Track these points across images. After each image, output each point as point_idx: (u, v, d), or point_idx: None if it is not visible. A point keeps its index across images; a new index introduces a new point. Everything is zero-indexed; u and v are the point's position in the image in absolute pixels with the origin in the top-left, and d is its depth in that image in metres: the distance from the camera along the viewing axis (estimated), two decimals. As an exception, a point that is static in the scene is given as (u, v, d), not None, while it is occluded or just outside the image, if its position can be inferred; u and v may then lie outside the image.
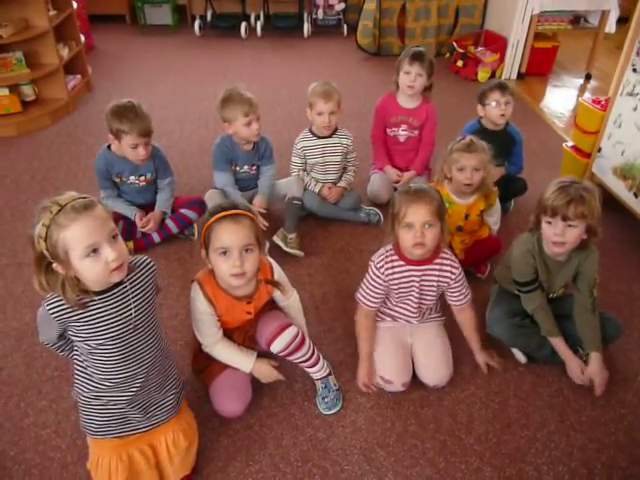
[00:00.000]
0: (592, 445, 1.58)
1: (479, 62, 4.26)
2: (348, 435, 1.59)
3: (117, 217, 2.25)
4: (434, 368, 1.70)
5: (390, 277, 1.65)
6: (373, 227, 2.52)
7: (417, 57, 2.46)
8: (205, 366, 1.62)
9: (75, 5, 3.77)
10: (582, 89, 4.28)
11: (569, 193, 1.55)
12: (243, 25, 5.14)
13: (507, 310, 1.83)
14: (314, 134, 2.44)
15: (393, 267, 1.64)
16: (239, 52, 4.87)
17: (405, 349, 1.73)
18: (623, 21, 3.97)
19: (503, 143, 2.42)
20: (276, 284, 1.59)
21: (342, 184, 2.52)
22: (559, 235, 1.59)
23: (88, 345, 1.20)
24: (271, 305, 1.65)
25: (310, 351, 1.60)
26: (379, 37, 4.67)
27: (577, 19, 4.30)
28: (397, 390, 1.69)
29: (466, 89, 3.98)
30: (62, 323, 1.18)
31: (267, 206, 2.39)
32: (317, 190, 2.47)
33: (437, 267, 1.66)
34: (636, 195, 2.31)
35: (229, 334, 1.59)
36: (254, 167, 2.42)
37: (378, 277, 1.66)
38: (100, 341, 1.19)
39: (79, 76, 3.83)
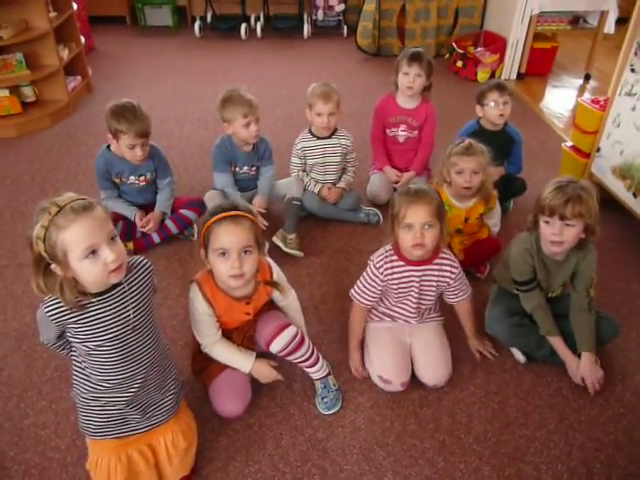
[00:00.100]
0: (591, 444, 1.58)
1: (479, 62, 4.26)
2: (347, 435, 1.60)
3: (117, 217, 2.25)
4: (433, 368, 1.70)
5: (389, 277, 1.65)
6: (372, 227, 2.52)
7: (416, 58, 2.46)
8: (204, 366, 1.62)
9: (75, 6, 3.78)
10: (581, 89, 4.28)
11: (567, 192, 1.55)
12: (243, 26, 5.15)
13: (506, 309, 1.84)
14: (313, 135, 2.44)
15: (392, 267, 1.65)
16: (239, 53, 4.88)
17: (404, 349, 1.73)
18: (622, 21, 3.96)
19: (502, 143, 2.42)
20: (275, 285, 1.59)
21: (341, 185, 2.53)
22: (557, 234, 1.59)
23: (86, 347, 1.20)
24: (270, 305, 1.65)
25: (309, 351, 1.60)
26: (379, 38, 4.67)
27: (576, 19, 4.31)
28: (396, 390, 1.69)
29: (466, 89, 3.99)
30: (60, 325, 1.18)
31: (267, 206, 2.40)
32: (316, 190, 2.48)
33: (437, 267, 1.66)
34: (635, 195, 2.31)
35: (228, 334, 1.60)
36: (254, 168, 2.43)
37: (376, 276, 1.66)
38: (98, 342, 1.19)
39: (79, 77, 3.84)
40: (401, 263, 1.65)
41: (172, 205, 2.39)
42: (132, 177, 2.29)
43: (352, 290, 1.74)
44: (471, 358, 1.83)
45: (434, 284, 1.69)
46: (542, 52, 4.30)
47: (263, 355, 1.63)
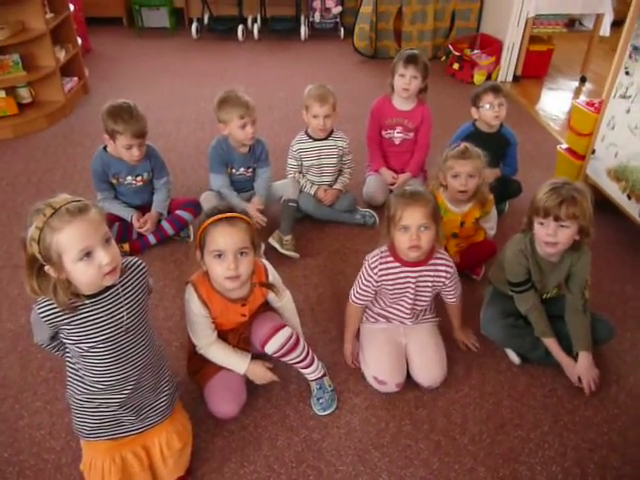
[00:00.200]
0: (585, 445, 1.59)
1: (475, 65, 4.28)
2: (342, 436, 1.60)
3: (113, 219, 2.25)
4: (428, 369, 1.71)
5: (384, 278, 1.66)
6: (368, 229, 2.52)
7: (411, 60, 2.47)
8: (200, 367, 1.62)
9: (72, 8, 3.78)
10: (577, 92, 4.30)
11: (561, 194, 1.56)
12: (240, 28, 5.16)
13: (501, 311, 1.84)
14: (310, 136, 2.45)
15: (387, 268, 1.65)
16: (236, 55, 4.88)
17: (399, 350, 1.74)
18: (618, 24, 3.99)
19: (497, 145, 2.43)
20: (271, 286, 1.59)
21: (338, 186, 2.53)
22: (551, 236, 1.60)
23: (80, 348, 1.20)
24: (265, 307, 1.65)
25: (305, 352, 1.60)
26: (375, 40, 4.69)
27: (572, 22, 4.33)
28: (391, 391, 1.70)
29: (462, 92, 4.00)
30: (53, 326, 1.18)
31: (263, 208, 2.40)
32: (313, 192, 2.48)
33: (432, 267, 1.67)
34: (629, 197, 2.32)
35: (223, 336, 1.60)
36: (250, 169, 2.43)
37: (371, 277, 1.67)
38: (91, 344, 1.19)
39: (76, 78, 3.83)
40: (397, 264, 1.65)
41: (168, 206, 2.40)
42: (129, 177, 2.29)
43: (351, 290, 1.76)
44: (466, 359, 1.84)
45: (430, 285, 1.69)
46: (538, 55, 4.33)
47: (259, 356, 1.63)
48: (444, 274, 1.69)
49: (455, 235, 2.14)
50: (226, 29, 5.22)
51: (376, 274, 1.65)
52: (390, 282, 1.67)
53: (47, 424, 1.61)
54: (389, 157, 2.73)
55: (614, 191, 2.41)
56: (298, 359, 1.60)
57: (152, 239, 2.33)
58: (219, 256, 1.40)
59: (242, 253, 1.41)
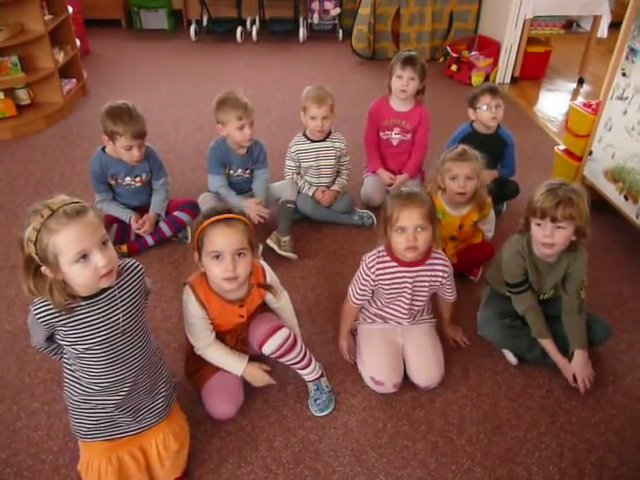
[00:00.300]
0: (582, 445, 1.59)
1: (473, 66, 4.29)
2: (340, 437, 1.60)
3: (111, 220, 2.26)
4: (425, 369, 1.71)
5: (381, 277, 1.66)
6: (366, 230, 2.53)
7: (409, 61, 2.47)
8: (197, 369, 1.62)
9: (71, 9, 3.79)
10: (575, 93, 4.31)
11: (558, 195, 1.57)
12: (239, 30, 5.16)
13: (498, 311, 1.85)
14: (308, 138, 2.45)
15: (384, 268, 1.66)
16: (235, 56, 4.89)
17: (396, 350, 1.74)
18: (615, 26, 3.99)
19: (495, 146, 2.44)
20: (268, 287, 1.59)
21: (335, 187, 2.54)
22: (548, 236, 1.61)
23: (76, 349, 1.20)
24: (263, 307, 1.65)
25: (302, 353, 1.60)
26: (374, 42, 4.69)
27: (570, 24, 4.35)
28: (388, 391, 1.70)
29: (460, 93, 4.00)
30: (49, 327, 1.18)
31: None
32: (311, 193, 2.48)
33: (429, 267, 1.68)
34: (626, 198, 2.33)
35: (221, 337, 1.60)
36: (248, 171, 2.43)
37: (368, 276, 1.67)
38: (87, 345, 1.19)
39: (74, 80, 3.84)
40: (394, 264, 1.66)
41: (166, 207, 2.40)
42: (128, 178, 2.29)
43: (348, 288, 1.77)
44: (463, 360, 1.84)
45: (427, 284, 1.70)
46: (536, 56, 4.34)
47: (257, 358, 1.64)
48: (441, 274, 1.69)
49: (453, 238, 2.14)
50: (225, 31, 5.23)
51: (373, 273, 1.66)
52: (387, 282, 1.67)
53: (45, 425, 1.61)
54: (387, 158, 2.73)
55: (611, 192, 2.42)
56: (295, 360, 1.60)
57: (150, 241, 2.34)
58: (217, 257, 1.40)
59: (240, 254, 1.41)
